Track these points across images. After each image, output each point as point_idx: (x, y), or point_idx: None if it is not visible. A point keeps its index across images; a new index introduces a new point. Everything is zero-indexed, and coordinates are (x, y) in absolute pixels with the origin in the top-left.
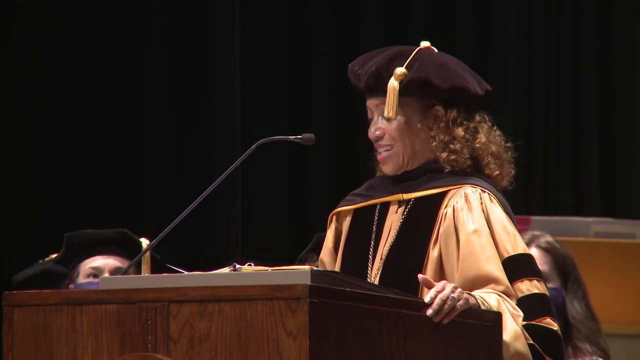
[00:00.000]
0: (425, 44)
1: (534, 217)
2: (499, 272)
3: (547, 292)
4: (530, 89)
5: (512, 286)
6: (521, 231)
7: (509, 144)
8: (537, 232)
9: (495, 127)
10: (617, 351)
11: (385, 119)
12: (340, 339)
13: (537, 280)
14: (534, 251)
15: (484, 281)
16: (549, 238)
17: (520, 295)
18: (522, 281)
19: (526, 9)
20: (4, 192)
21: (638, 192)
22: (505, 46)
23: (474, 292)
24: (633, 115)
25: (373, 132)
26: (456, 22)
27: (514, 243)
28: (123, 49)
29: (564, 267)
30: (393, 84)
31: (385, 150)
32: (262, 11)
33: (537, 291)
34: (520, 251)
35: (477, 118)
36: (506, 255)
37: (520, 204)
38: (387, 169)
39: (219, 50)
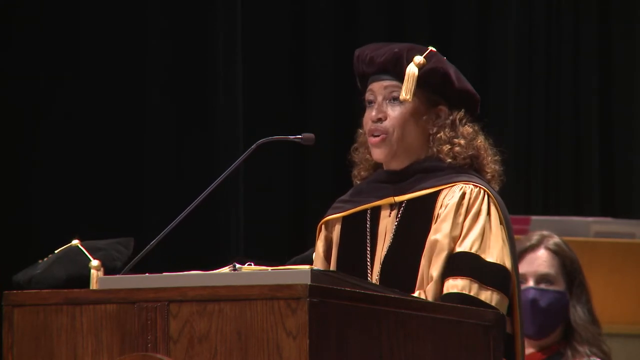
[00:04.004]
0: (433, 49)
1: (534, 217)
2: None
3: (474, 294)
4: (530, 89)
5: (447, 280)
6: (521, 231)
7: (497, 157)
8: (545, 233)
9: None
10: (617, 351)
11: (390, 104)
12: (340, 339)
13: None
14: (542, 252)
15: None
16: (557, 240)
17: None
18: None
19: (526, 9)
20: (4, 192)
21: (638, 192)
22: (505, 47)
23: None
24: (633, 115)
25: (375, 114)
26: (456, 22)
27: (481, 243)
28: (123, 50)
29: (570, 271)
30: (413, 69)
31: (380, 134)
32: (263, 12)
33: (455, 291)
34: (471, 250)
35: (476, 126)
36: (458, 250)
37: (520, 204)
38: (379, 155)
39: (221, 51)
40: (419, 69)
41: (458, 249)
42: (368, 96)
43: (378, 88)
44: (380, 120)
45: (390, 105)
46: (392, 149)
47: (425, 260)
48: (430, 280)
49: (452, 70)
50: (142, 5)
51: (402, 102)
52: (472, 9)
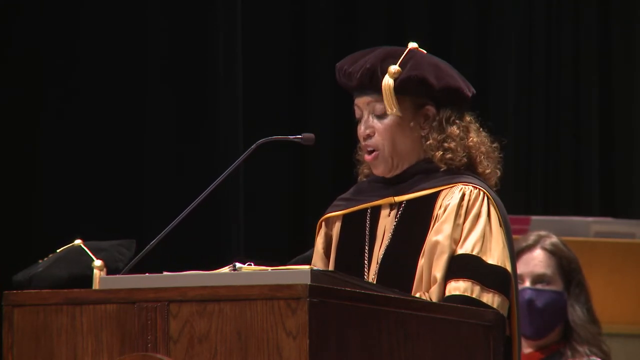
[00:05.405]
0: (413, 44)
1: (534, 217)
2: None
3: (476, 297)
4: (530, 88)
5: (449, 282)
6: (521, 231)
7: (495, 144)
8: (543, 233)
9: (481, 128)
10: (617, 351)
11: (376, 118)
12: (340, 339)
13: (473, 283)
14: (538, 253)
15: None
16: (554, 240)
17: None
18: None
19: (526, 9)
20: (4, 192)
21: (638, 192)
22: (505, 46)
23: None
24: (633, 115)
25: (363, 130)
26: (456, 22)
27: (481, 244)
28: (123, 51)
29: (568, 271)
30: (388, 81)
31: (372, 151)
32: (263, 12)
33: (457, 293)
34: (473, 252)
35: (467, 118)
36: (460, 252)
37: (520, 204)
38: (378, 171)
39: (221, 51)
40: (395, 80)
41: (459, 251)
42: (356, 111)
43: (362, 104)
44: (369, 136)
45: (376, 120)
46: (388, 163)
47: (425, 261)
48: (434, 282)
49: (429, 70)
50: (142, 5)
51: (386, 115)
52: (472, 9)
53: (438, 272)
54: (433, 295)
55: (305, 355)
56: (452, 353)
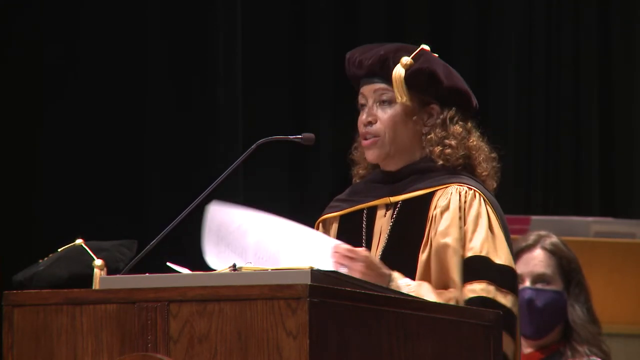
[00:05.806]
0: (426, 47)
1: (534, 217)
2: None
3: (492, 297)
4: (530, 88)
5: (465, 286)
6: (521, 231)
7: (494, 155)
8: (543, 232)
9: (482, 138)
10: (617, 351)
11: (380, 107)
12: (340, 339)
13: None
14: (538, 252)
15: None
16: (554, 239)
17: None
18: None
19: (526, 9)
20: (4, 192)
21: (638, 192)
22: (505, 46)
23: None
24: (633, 115)
25: (365, 118)
26: (456, 22)
27: (488, 244)
28: (122, 51)
29: (568, 271)
30: (399, 70)
31: (372, 137)
32: (263, 12)
33: (475, 295)
34: (481, 253)
35: (470, 124)
36: (469, 254)
37: (520, 204)
38: (372, 155)
39: (221, 51)
40: (406, 70)
41: (468, 253)
42: (360, 99)
43: (368, 91)
44: (370, 123)
45: (380, 108)
46: (384, 150)
47: (434, 262)
48: (454, 285)
49: (440, 68)
50: (142, 6)
51: (391, 105)
52: (472, 9)
53: (457, 275)
54: (460, 300)
55: (305, 355)
56: (452, 353)
